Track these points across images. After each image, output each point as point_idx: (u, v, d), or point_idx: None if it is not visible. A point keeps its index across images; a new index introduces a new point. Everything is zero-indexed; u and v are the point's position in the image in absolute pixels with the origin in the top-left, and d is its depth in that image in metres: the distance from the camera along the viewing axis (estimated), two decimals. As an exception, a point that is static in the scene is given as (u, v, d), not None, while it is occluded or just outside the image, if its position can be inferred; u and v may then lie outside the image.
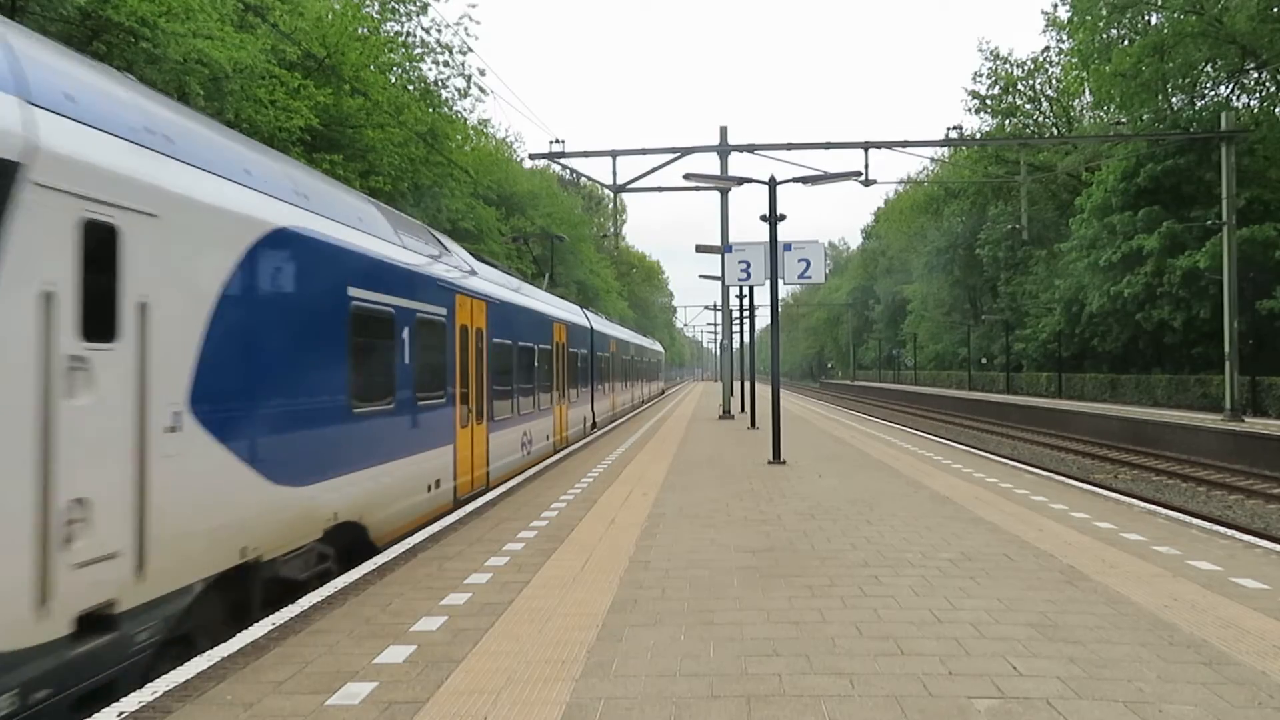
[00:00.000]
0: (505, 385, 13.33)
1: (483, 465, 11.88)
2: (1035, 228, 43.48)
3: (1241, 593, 6.16)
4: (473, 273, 12.16)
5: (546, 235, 32.76)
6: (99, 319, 4.61)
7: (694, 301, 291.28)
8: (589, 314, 24.83)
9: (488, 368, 12.05)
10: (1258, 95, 39.25)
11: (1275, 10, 32.54)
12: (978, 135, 48.88)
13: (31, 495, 4.14)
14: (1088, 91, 47.45)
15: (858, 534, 8.34)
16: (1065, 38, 46.84)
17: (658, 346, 55.95)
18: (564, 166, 33.54)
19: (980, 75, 54.26)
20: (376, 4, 24.31)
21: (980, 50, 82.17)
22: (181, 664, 4.86)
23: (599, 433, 21.79)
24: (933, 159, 67.07)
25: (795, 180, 17.27)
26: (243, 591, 6.09)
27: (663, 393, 56.88)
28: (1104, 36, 39.78)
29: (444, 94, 26.60)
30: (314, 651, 5.04)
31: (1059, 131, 51.43)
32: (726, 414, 28.12)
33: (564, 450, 17.05)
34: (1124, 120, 39.44)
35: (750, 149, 26.52)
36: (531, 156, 34.83)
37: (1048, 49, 54.24)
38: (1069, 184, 47.92)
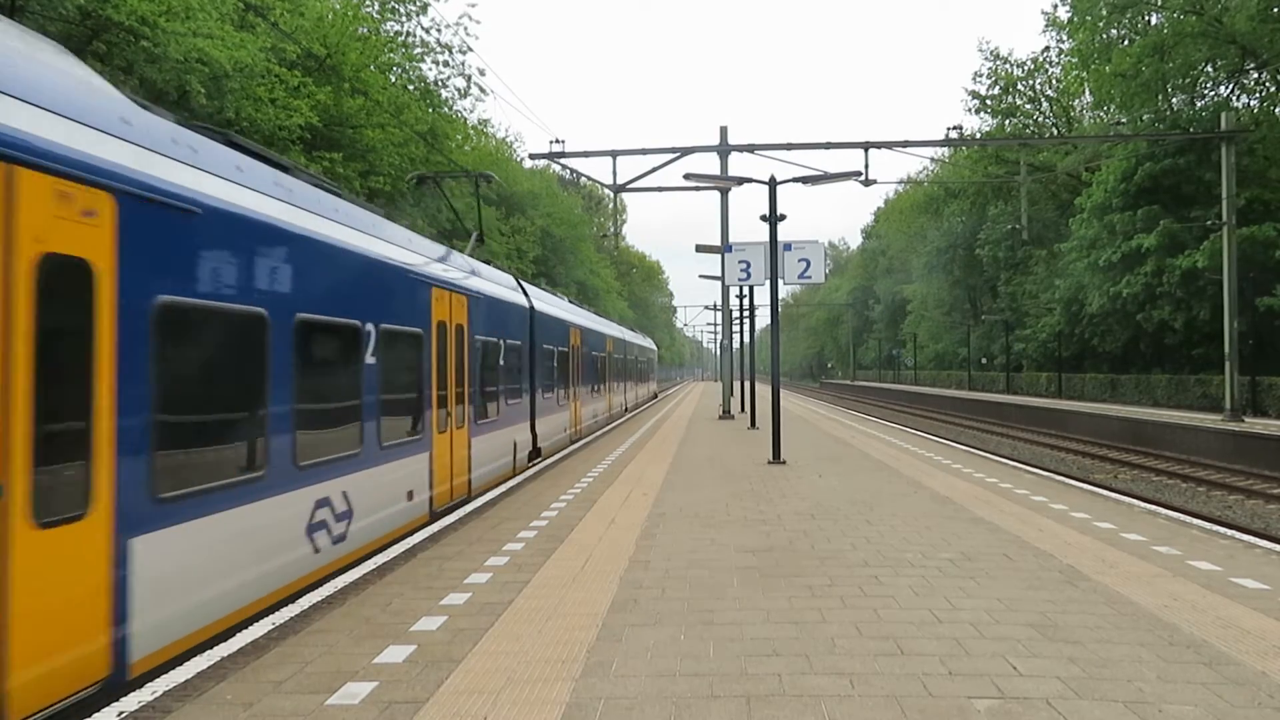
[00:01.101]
0: (249, 408, 6.25)
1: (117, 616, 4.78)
2: (1035, 228, 43.47)
3: (1241, 593, 6.16)
4: (163, 152, 5.44)
5: (468, 174, 20.79)
6: None
7: (694, 301, 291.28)
8: (530, 289, 16.93)
9: (156, 372, 5.17)
10: (1258, 95, 39.23)
11: (1275, 10, 32.53)
12: (978, 135, 48.84)
13: None
14: (1088, 92, 47.45)
15: (858, 534, 8.34)
16: (1065, 38, 46.81)
17: (648, 343, 47.80)
18: (564, 166, 33.55)
19: (980, 75, 54.27)
20: (376, 4, 24.33)
21: (980, 50, 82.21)
22: (181, 664, 4.86)
23: (544, 462, 14.87)
24: (933, 159, 67.14)
25: (795, 180, 17.27)
26: None
27: (655, 396, 49.79)
28: (1104, 37, 39.77)
29: (444, 94, 26.68)
30: (314, 651, 5.04)
31: (1059, 131, 51.43)
32: (726, 414, 28.11)
33: (460, 506, 10.28)
34: (1124, 120, 39.43)
35: (750, 149, 26.52)
36: (531, 156, 34.85)
37: (1048, 49, 54.25)
38: (1069, 184, 47.91)
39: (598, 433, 22.12)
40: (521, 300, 15.19)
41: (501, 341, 13.21)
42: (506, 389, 13.48)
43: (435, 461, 10.00)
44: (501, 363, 13.19)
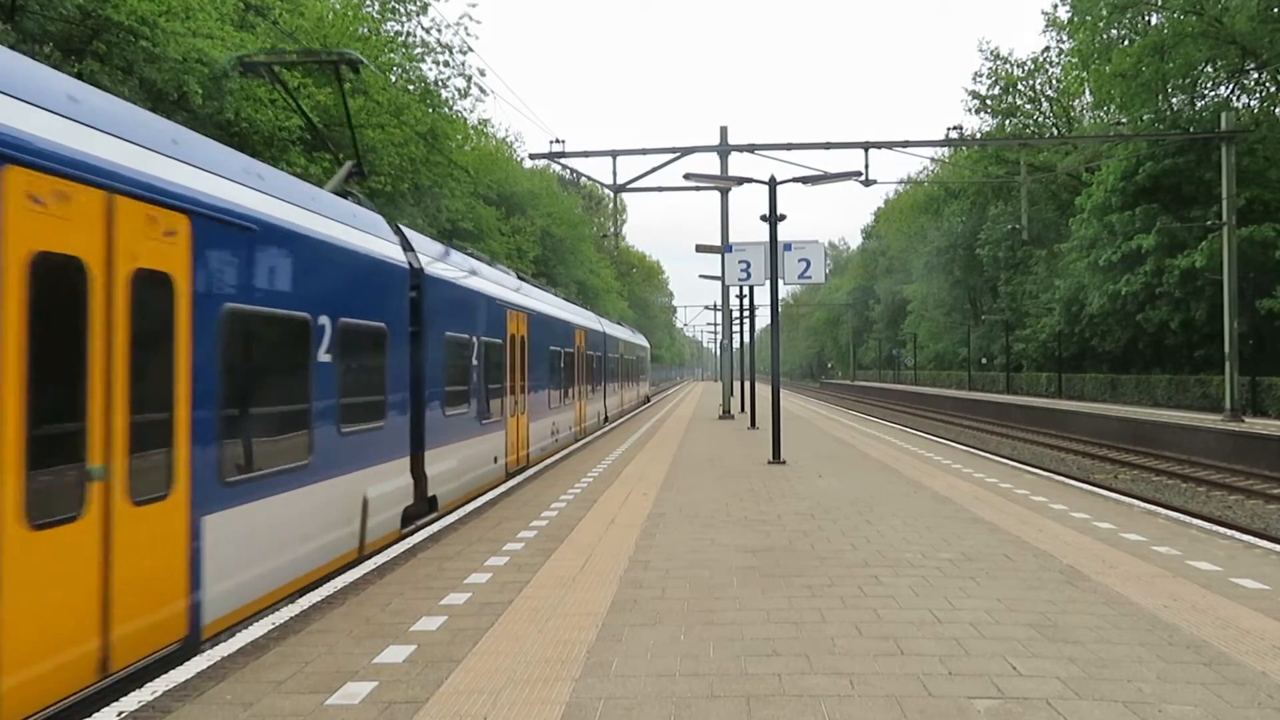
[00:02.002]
0: None
1: None
2: (1035, 228, 43.49)
3: (1241, 593, 6.16)
4: None
5: (320, 59, 15.14)
6: None
7: (694, 301, 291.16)
8: (424, 242, 10.92)
9: None
10: (1258, 95, 39.29)
11: (1275, 10, 32.54)
12: (978, 135, 48.88)
13: None
14: (1088, 92, 47.48)
15: (857, 534, 8.34)
16: (1065, 38, 46.87)
17: (638, 338, 41.26)
18: (564, 166, 33.56)
19: (980, 75, 54.27)
20: (377, 4, 24.32)
21: (980, 50, 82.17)
22: (181, 664, 4.86)
23: (448, 519, 9.40)
24: (933, 159, 67.17)
25: (795, 180, 17.28)
26: None
27: (647, 401, 43.18)
28: (1104, 37, 39.78)
29: (444, 94, 26.61)
30: (314, 651, 5.04)
31: (1059, 132, 51.43)
32: (726, 414, 28.12)
33: (152, 677, 4.73)
34: (1124, 120, 39.45)
35: (750, 149, 26.53)
36: (531, 156, 34.90)
37: (1048, 49, 54.24)
38: (1069, 184, 47.93)
39: (562, 453, 16.65)
40: (389, 254, 8.96)
41: (324, 321, 7.24)
42: (345, 405, 7.65)
43: (9, 604, 4.15)
44: (326, 358, 7.30)
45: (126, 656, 4.91)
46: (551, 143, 27.44)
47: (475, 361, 11.80)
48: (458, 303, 11.39)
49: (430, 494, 9.86)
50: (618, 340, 30.81)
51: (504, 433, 13.34)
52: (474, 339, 11.84)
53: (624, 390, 32.58)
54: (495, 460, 12.86)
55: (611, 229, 51.99)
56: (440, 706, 4.21)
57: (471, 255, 13.74)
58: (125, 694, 4.43)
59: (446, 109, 26.76)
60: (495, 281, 13.83)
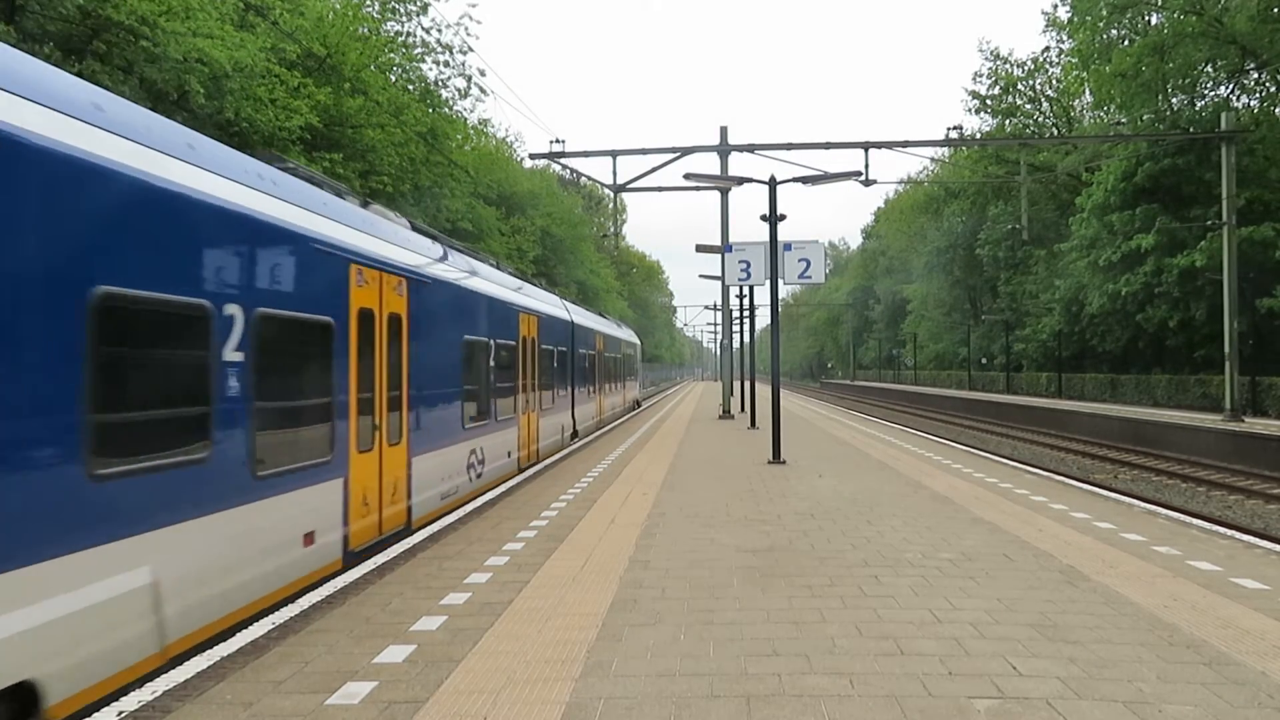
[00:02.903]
0: None
1: None
2: (1035, 228, 43.46)
3: (1241, 593, 6.15)
4: None
5: None
6: None
7: (694, 301, 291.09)
8: (31, 74, 4.51)
9: None
10: (1258, 95, 39.26)
11: (1275, 10, 32.53)
12: (978, 135, 48.89)
13: None
14: (1088, 92, 47.46)
15: (858, 534, 8.34)
16: (1065, 38, 46.87)
17: (626, 333, 35.59)
18: (564, 166, 33.57)
19: (980, 75, 54.34)
20: (377, 4, 24.34)
21: (980, 50, 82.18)
22: (181, 664, 4.86)
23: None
24: (933, 159, 67.21)
25: (795, 180, 17.28)
26: None
27: (637, 405, 36.89)
28: (1104, 37, 39.76)
29: (444, 94, 26.66)
30: (314, 651, 5.04)
31: (1059, 132, 51.42)
32: (726, 414, 28.12)
33: None
34: (1124, 120, 39.44)
35: (750, 149, 26.53)
36: (532, 156, 34.93)
37: (1048, 49, 54.25)
38: (1069, 184, 47.90)
39: (495, 492, 11.33)
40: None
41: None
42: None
43: None
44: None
45: None
46: (551, 143, 27.46)
47: (243, 356, 6.07)
48: (172, 228, 5.48)
49: (15, 680, 4.09)
50: (593, 333, 24.25)
51: (341, 483, 7.63)
52: (239, 312, 6.05)
53: (604, 396, 26.08)
54: (309, 541, 7.02)
55: (611, 229, 51.97)
56: (440, 706, 4.21)
57: (296, 173, 7.96)
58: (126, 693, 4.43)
59: (446, 109, 26.80)
60: (333, 218, 7.82)
